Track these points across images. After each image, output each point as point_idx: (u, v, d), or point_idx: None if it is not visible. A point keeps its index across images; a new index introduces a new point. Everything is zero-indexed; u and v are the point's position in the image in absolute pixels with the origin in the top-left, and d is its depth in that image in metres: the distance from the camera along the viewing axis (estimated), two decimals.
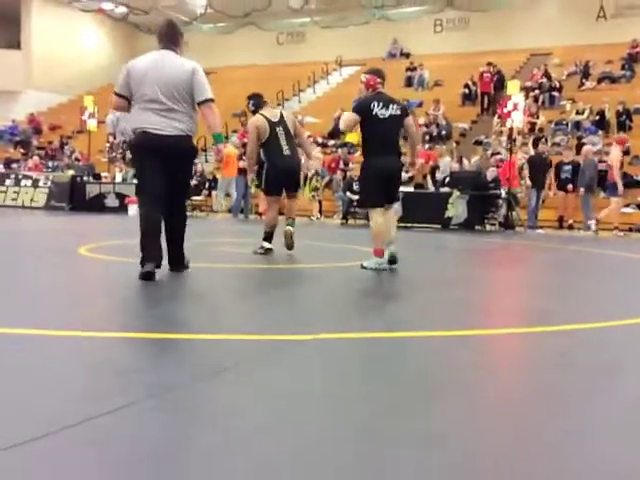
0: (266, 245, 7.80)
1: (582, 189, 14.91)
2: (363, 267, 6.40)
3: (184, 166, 5.79)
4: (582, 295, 5.74)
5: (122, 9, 30.15)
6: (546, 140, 17.81)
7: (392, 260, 6.53)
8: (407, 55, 29.27)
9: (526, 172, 15.46)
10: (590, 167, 15.10)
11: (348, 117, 6.60)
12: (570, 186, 15.22)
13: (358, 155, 19.63)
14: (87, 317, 4.00)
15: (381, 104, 6.41)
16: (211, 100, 5.59)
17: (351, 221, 16.32)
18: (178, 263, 5.89)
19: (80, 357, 3.02)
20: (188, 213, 6.38)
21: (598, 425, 2.35)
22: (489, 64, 23.07)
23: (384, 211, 6.52)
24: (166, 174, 5.50)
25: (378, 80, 6.55)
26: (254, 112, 8.11)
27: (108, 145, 22.91)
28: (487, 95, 22.69)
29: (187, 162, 5.86)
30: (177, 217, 5.84)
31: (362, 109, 6.45)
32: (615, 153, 14.49)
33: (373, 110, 6.37)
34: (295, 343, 3.41)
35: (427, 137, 20.74)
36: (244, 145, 19.80)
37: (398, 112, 6.49)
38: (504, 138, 18.06)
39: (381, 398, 2.56)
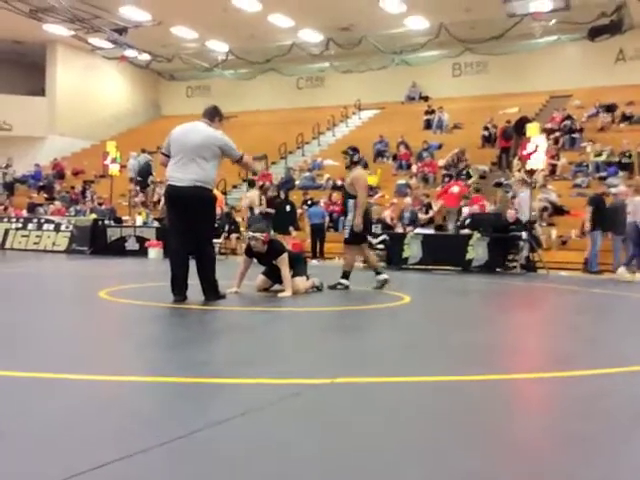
0: (345, 282, 8.49)
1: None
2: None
3: (200, 210, 6.62)
4: (606, 339, 5.60)
5: (145, 56, 30.64)
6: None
7: None
8: (426, 98, 29.43)
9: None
10: (621, 208, 14.64)
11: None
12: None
13: (378, 196, 19.72)
14: (103, 361, 3.98)
15: None
16: (241, 157, 6.90)
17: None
18: (211, 294, 6.69)
19: (95, 402, 2.98)
20: None
21: (625, 474, 2.29)
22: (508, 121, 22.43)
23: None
24: (187, 217, 6.54)
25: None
26: (355, 164, 8.44)
27: (133, 188, 23.17)
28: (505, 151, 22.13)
29: (202, 206, 6.65)
30: (203, 254, 6.76)
31: None
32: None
33: None
34: (313, 387, 3.34)
35: (447, 179, 20.71)
36: (261, 187, 19.94)
37: None
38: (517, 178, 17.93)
39: (403, 445, 2.49)
